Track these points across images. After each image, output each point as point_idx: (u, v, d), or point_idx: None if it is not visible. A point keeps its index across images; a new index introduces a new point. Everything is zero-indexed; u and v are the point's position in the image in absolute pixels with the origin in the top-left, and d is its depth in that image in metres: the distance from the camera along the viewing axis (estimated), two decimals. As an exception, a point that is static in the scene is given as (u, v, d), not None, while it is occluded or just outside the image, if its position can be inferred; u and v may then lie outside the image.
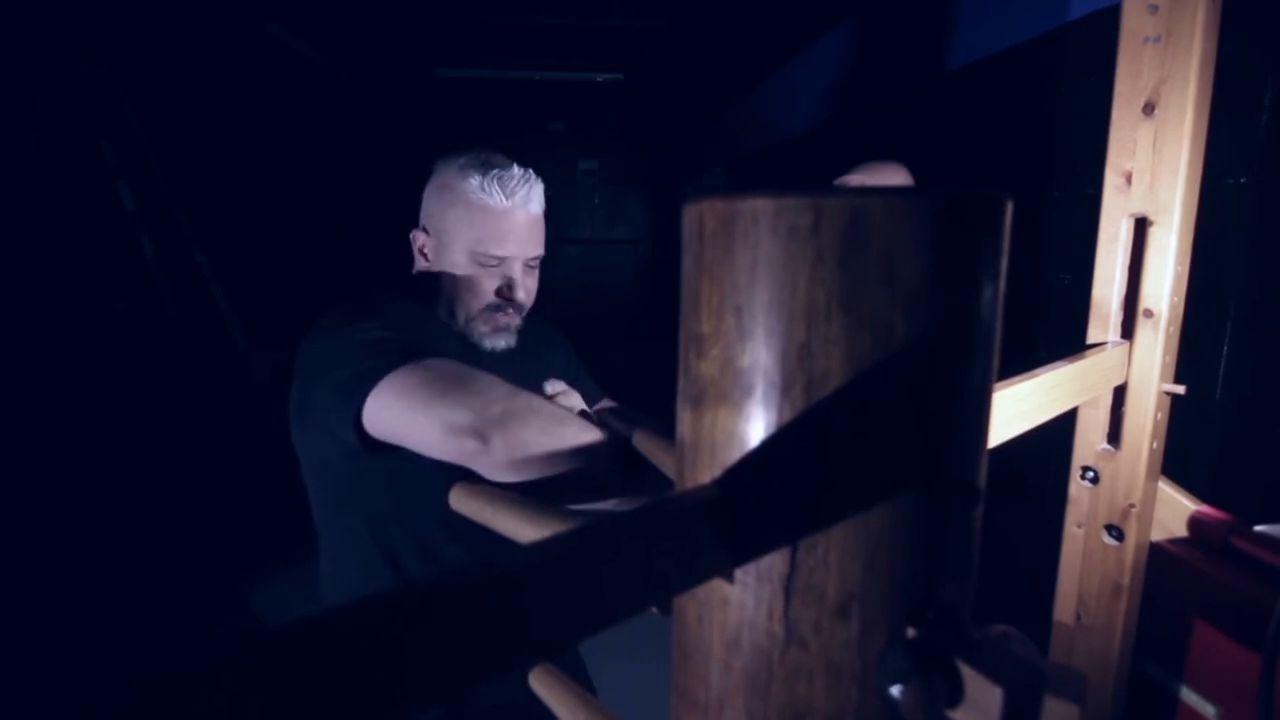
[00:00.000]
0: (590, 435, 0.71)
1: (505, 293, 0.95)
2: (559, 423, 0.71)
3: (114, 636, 2.41)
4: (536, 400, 0.74)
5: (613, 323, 5.36)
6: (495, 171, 0.92)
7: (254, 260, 4.04)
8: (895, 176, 1.17)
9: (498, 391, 0.73)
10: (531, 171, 0.96)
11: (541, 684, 0.32)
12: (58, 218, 3.02)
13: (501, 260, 0.94)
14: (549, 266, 1.08)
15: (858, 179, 1.16)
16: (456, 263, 0.94)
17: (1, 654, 2.18)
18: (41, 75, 2.91)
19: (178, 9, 3.60)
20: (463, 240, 0.93)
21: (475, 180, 0.91)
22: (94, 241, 3.13)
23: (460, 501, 0.29)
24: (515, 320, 0.98)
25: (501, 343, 0.97)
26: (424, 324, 0.94)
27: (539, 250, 0.98)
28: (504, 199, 0.92)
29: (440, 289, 0.96)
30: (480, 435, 0.68)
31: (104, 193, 3.13)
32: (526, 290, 0.97)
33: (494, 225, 0.92)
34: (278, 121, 4.50)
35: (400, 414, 0.74)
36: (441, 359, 0.77)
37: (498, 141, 0.99)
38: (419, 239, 0.98)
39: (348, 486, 0.91)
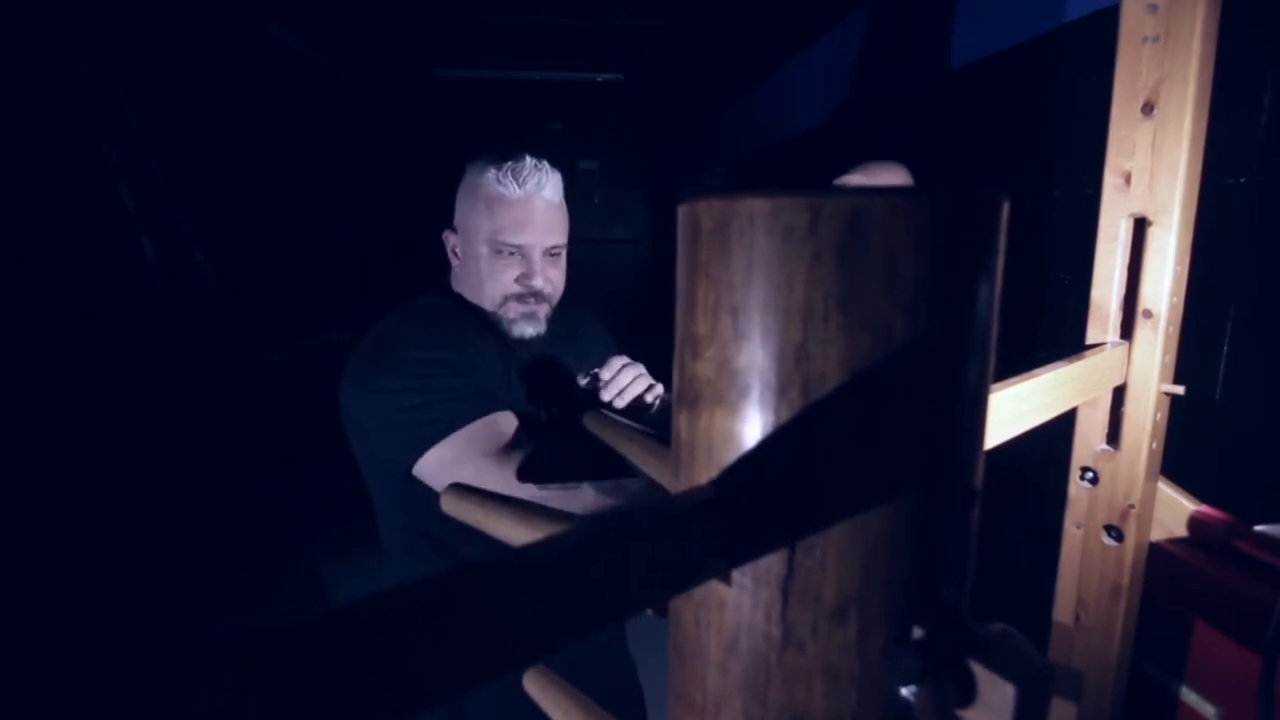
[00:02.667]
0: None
1: (525, 281, 0.98)
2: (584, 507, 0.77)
3: (114, 636, 2.41)
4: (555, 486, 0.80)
5: (612, 323, 5.36)
6: (509, 163, 0.96)
7: (254, 260, 4.04)
8: (895, 177, 1.17)
9: (527, 467, 0.80)
10: (546, 162, 1.00)
11: (535, 686, 0.32)
12: (58, 218, 3.02)
13: (519, 248, 0.97)
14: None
15: (857, 179, 1.16)
16: (480, 254, 0.98)
17: (1, 653, 2.18)
18: (41, 75, 2.91)
19: (178, 9, 3.60)
20: (482, 232, 0.97)
21: (491, 174, 0.96)
22: (94, 241, 3.12)
23: (452, 505, 0.29)
24: (542, 308, 1.01)
25: (530, 330, 1.00)
26: (463, 324, 0.99)
27: (559, 239, 1.00)
28: (517, 187, 0.95)
29: (469, 284, 1.01)
30: None
31: (104, 193, 3.13)
32: (547, 279, 1.00)
33: (510, 214, 0.95)
34: (278, 121, 4.50)
35: (440, 482, 0.83)
36: (474, 427, 0.85)
37: (498, 141, 1.02)
38: (450, 239, 1.03)
39: (393, 503, 0.97)
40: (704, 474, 0.24)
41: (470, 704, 0.94)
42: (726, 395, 0.22)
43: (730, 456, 0.23)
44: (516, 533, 0.27)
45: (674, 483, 0.26)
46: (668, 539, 0.21)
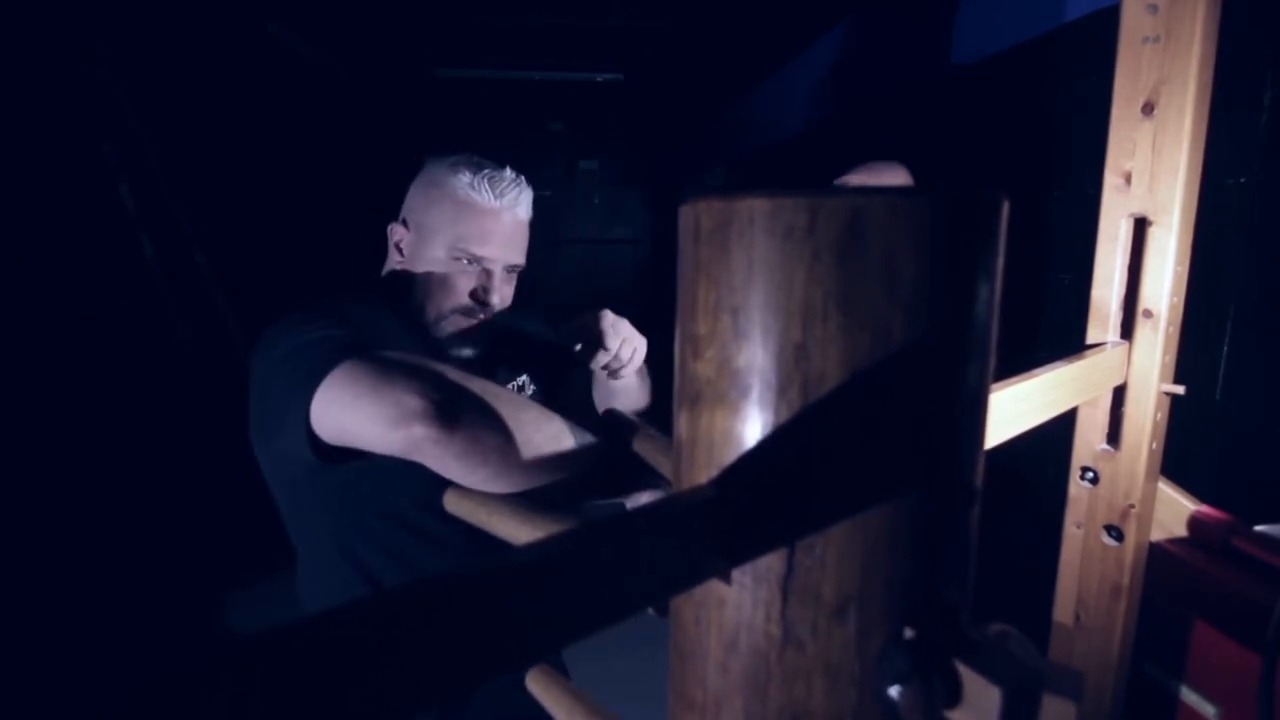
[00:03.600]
0: (552, 423, 0.68)
1: (480, 295, 0.92)
2: (516, 408, 0.68)
3: (115, 637, 2.41)
4: (491, 385, 0.70)
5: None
6: (487, 171, 0.90)
7: (254, 260, 4.04)
8: (896, 177, 1.17)
9: (448, 378, 0.69)
10: (523, 178, 0.94)
11: (538, 685, 0.32)
12: (58, 218, 3.02)
13: (481, 261, 0.91)
14: (549, 266, 1.07)
15: (858, 179, 1.16)
16: (434, 259, 0.91)
17: (1, 653, 2.19)
18: (42, 75, 2.91)
19: (178, 9, 3.60)
20: (444, 236, 0.90)
21: (465, 178, 0.90)
22: (94, 241, 3.13)
23: (455, 504, 0.29)
24: (480, 326, 0.94)
25: (468, 351, 0.94)
26: (384, 325, 0.90)
27: (520, 259, 0.95)
28: (493, 198, 0.90)
29: (412, 286, 0.93)
30: (429, 421, 0.64)
31: (104, 193, 3.13)
32: (502, 297, 0.94)
33: (479, 224, 0.89)
34: (278, 121, 4.50)
35: (345, 406, 0.68)
36: (391, 350, 0.73)
37: (498, 141, 0.98)
38: (397, 233, 0.95)
39: (312, 502, 0.86)
40: (704, 473, 0.24)
41: (469, 703, 0.93)
42: (727, 395, 0.22)
43: (730, 456, 0.23)
44: (519, 532, 0.27)
45: (675, 481, 0.26)
46: (668, 538, 0.21)
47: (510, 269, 0.94)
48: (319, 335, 0.75)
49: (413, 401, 0.65)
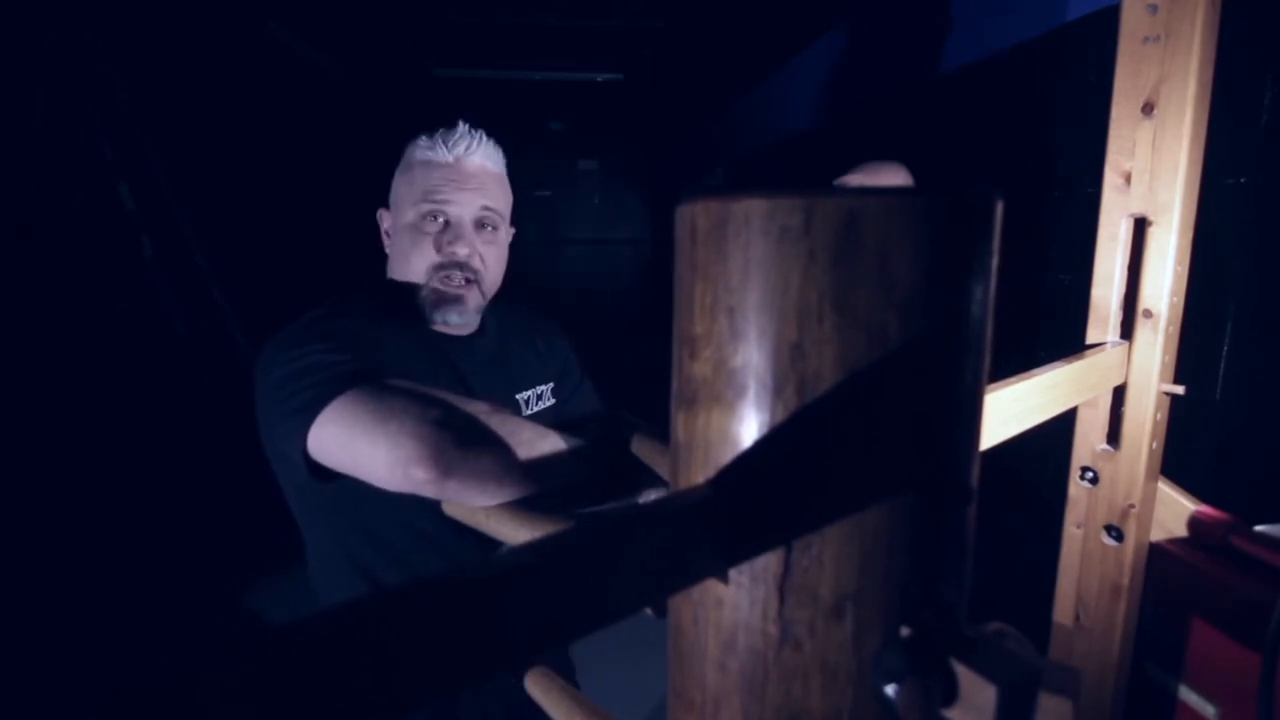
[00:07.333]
0: (546, 440, 0.69)
1: (448, 249, 0.89)
2: (511, 429, 0.68)
3: (114, 639, 2.41)
4: (484, 405, 0.70)
5: (613, 323, 5.37)
6: (441, 131, 0.91)
7: (254, 260, 4.04)
8: (896, 177, 1.17)
9: (442, 407, 0.69)
10: (483, 132, 0.93)
11: (537, 686, 0.32)
12: (58, 218, 3.03)
13: (444, 210, 0.89)
14: (549, 266, 1.06)
15: (858, 179, 1.16)
16: (406, 224, 0.90)
17: (3, 655, 2.19)
18: (42, 75, 2.91)
19: (177, 8, 3.60)
20: (409, 199, 0.90)
21: (423, 141, 0.91)
22: (94, 241, 3.13)
23: (453, 508, 0.29)
24: (471, 293, 0.92)
25: (453, 317, 0.91)
26: (380, 325, 0.89)
27: (488, 201, 0.92)
28: (447, 153, 0.90)
29: (398, 264, 0.93)
30: (425, 465, 0.65)
31: (104, 193, 3.13)
32: (473, 250, 0.91)
33: (437, 176, 0.89)
34: (278, 121, 4.50)
35: (341, 446, 0.70)
36: (385, 380, 0.73)
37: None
38: (384, 219, 0.96)
39: (315, 505, 0.88)
40: (701, 473, 0.24)
41: (463, 703, 0.93)
42: (723, 395, 0.22)
43: (727, 455, 0.23)
44: (516, 533, 0.27)
45: (673, 482, 0.26)
46: (664, 538, 0.21)
47: (480, 221, 0.92)
48: (311, 361, 0.75)
49: (408, 445, 0.65)
